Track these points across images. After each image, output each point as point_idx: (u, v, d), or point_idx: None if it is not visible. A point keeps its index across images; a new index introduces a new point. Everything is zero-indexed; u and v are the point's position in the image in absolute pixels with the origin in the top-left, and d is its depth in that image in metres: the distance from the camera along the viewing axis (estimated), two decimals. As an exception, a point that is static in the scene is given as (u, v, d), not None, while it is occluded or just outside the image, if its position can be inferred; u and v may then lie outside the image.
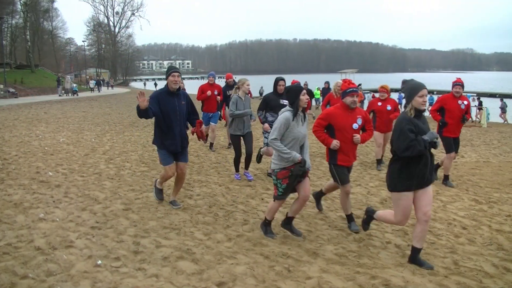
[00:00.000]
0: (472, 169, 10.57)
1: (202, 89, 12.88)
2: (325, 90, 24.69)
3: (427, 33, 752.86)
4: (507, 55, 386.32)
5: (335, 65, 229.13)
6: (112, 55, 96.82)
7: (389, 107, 10.50)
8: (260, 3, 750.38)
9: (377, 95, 11.44)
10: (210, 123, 12.95)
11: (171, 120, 6.72)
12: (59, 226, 6.14)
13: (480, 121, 26.83)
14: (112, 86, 69.59)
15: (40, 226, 6.14)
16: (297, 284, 4.55)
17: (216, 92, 12.81)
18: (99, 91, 56.43)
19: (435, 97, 30.20)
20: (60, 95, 45.38)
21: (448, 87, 9.72)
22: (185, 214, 6.84)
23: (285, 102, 6.23)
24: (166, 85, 6.73)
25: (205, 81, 13.98)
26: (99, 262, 4.94)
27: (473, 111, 29.34)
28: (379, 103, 10.62)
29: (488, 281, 4.73)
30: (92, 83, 59.36)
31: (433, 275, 4.80)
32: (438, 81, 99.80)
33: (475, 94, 45.58)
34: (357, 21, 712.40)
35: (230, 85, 13.50)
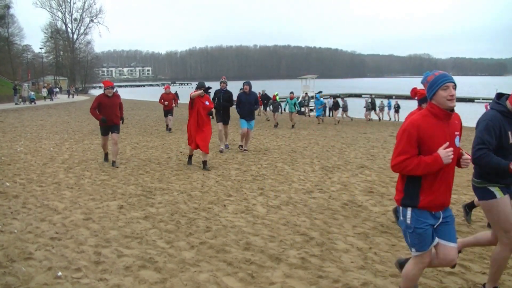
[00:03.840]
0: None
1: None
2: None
3: (385, 38, 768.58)
4: (462, 60, 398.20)
5: (295, 71, 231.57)
6: (70, 62, 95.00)
7: None
8: (221, 9, 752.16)
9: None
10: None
11: None
12: (17, 237, 6.00)
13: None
14: (73, 95, 66.79)
15: (-3, 238, 5.99)
16: (260, 290, 4.56)
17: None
18: (51, 100, 54.16)
19: (393, 102, 30.88)
20: (16, 103, 44.39)
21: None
22: (147, 222, 6.78)
23: None
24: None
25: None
26: (59, 273, 4.84)
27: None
28: None
29: (448, 280, 4.82)
30: (44, 92, 57.09)
31: (394, 277, 4.87)
32: (397, 85, 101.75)
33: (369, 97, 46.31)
34: (317, 27, 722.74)
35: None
